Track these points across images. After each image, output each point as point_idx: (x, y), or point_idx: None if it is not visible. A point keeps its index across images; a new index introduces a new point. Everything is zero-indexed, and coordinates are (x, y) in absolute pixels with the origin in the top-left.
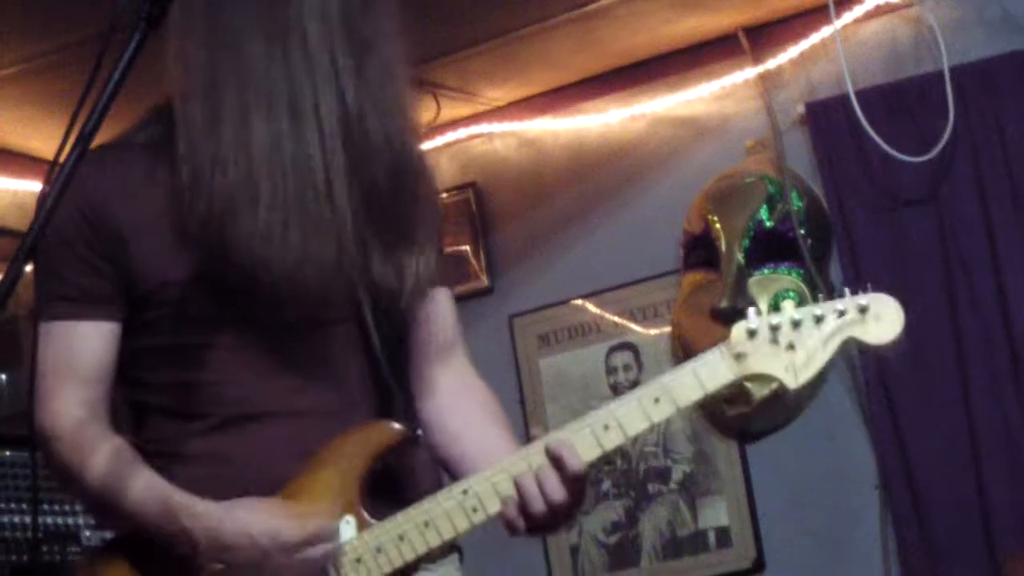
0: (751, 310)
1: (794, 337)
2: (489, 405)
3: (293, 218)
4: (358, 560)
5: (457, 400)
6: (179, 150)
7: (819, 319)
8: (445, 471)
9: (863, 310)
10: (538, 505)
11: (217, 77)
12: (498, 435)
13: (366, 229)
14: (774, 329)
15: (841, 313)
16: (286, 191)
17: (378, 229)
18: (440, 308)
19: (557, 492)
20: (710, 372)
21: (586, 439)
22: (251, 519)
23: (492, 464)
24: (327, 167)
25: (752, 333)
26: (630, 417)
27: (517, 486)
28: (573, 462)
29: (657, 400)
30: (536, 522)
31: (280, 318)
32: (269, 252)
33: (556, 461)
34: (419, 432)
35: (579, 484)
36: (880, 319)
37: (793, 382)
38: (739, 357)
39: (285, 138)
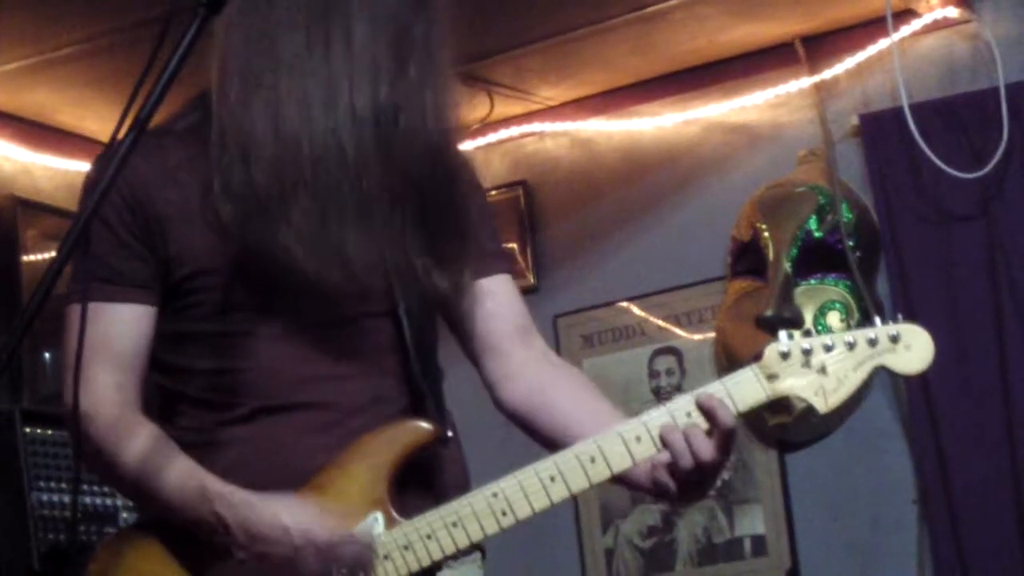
0: (783, 333)
1: (826, 361)
2: (589, 384)
3: (331, 211)
4: (386, 557)
5: (559, 380)
6: (213, 139)
7: (851, 345)
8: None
9: (894, 339)
10: (686, 461)
11: (253, 65)
12: (612, 412)
13: (404, 223)
14: (806, 352)
15: (872, 341)
16: (319, 184)
17: (416, 225)
18: (510, 293)
19: (705, 448)
20: (742, 392)
21: (617, 447)
22: (287, 514)
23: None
24: (358, 157)
25: (785, 355)
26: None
27: (664, 442)
28: (724, 416)
29: (689, 414)
30: (684, 482)
31: (317, 310)
32: (305, 245)
33: (708, 415)
34: (449, 433)
35: (729, 441)
36: (910, 349)
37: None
38: (771, 378)
39: (317, 130)
